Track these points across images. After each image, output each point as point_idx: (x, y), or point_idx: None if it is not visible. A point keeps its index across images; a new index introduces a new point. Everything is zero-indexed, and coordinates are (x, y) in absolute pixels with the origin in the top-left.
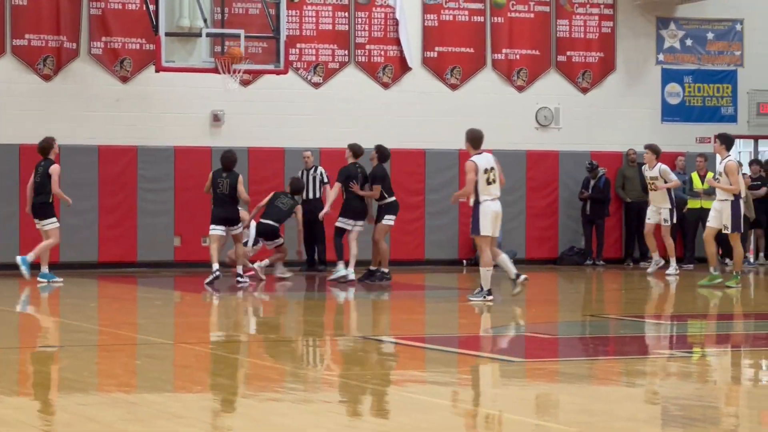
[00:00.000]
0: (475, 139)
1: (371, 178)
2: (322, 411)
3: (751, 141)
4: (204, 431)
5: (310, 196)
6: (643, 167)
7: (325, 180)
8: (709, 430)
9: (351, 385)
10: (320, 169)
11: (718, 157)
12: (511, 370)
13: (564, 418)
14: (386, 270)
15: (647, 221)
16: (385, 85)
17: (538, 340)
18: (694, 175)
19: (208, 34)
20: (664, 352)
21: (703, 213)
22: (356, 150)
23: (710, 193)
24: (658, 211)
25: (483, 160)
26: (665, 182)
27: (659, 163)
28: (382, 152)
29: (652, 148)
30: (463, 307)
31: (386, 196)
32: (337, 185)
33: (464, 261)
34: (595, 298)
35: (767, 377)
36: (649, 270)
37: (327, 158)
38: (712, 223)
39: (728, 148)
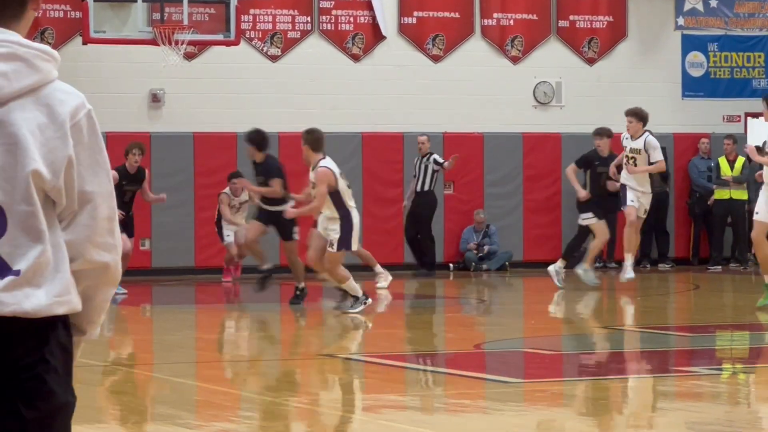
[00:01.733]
0: (317, 140)
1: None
2: None
3: None
4: None
5: (423, 187)
6: (623, 136)
7: (439, 166)
8: None
9: (315, 412)
10: (434, 156)
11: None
12: (508, 392)
13: None
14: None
15: (630, 206)
16: (355, 58)
17: (539, 356)
18: (722, 160)
19: (144, 0)
20: (687, 369)
21: (733, 205)
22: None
23: (741, 181)
24: (639, 199)
25: (334, 165)
26: (649, 162)
27: (647, 133)
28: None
29: (637, 114)
30: (450, 319)
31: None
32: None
33: (450, 265)
34: (606, 306)
35: None
36: (627, 276)
37: (287, 144)
38: (763, 216)
39: None
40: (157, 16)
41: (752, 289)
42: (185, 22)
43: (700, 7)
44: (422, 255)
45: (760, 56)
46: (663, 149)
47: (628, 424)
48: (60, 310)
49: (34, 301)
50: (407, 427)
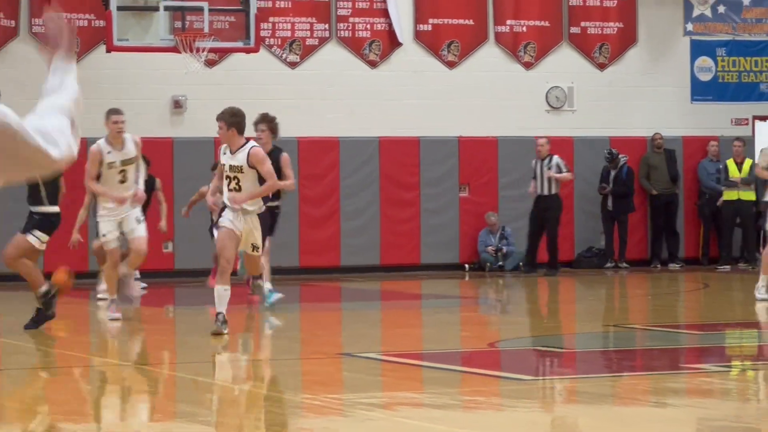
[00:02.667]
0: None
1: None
2: None
3: None
4: None
5: (549, 191)
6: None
7: (563, 170)
8: None
9: (333, 409)
10: (555, 158)
11: None
12: (522, 389)
13: None
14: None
15: None
16: (372, 64)
17: (553, 354)
18: (730, 162)
19: (166, 8)
20: (697, 366)
21: (741, 206)
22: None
23: (749, 182)
24: None
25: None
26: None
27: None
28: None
29: None
30: (466, 318)
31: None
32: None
33: (466, 265)
34: (617, 305)
35: None
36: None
37: (305, 149)
38: None
39: None
40: (178, 24)
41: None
42: (206, 30)
43: (708, 13)
44: (551, 256)
45: (767, 61)
46: (672, 152)
47: (639, 419)
48: None
49: None
50: (423, 423)
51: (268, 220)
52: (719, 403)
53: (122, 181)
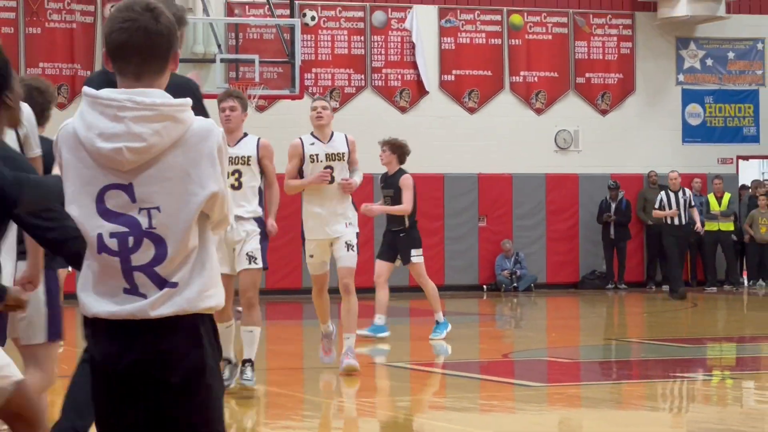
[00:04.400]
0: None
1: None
2: None
3: None
4: None
5: (681, 221)
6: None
7: (692, 203)
8: None
9: (369, 411)
10: (690, 194)
11: None
12: (532, 394)
13: None
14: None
15: None
16: (403, 110)
17: (559, 364)
18: (711, 197)
19: (222, 60)
20: (686, 375)
21: (721, 235)
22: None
23: (727, 215)
24: None
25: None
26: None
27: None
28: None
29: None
30: (483, 332)
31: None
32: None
33: (484, 286)
34: (617, 322)
35: None
36: None
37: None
38: None
39: None
40: (233, 74)
41: (743, 307)
42: (257, 80)
43: (697, 65)
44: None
45: (749, 107)
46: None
47: (635, 422)
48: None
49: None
50: (445, 424)
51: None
52: (705, 408)
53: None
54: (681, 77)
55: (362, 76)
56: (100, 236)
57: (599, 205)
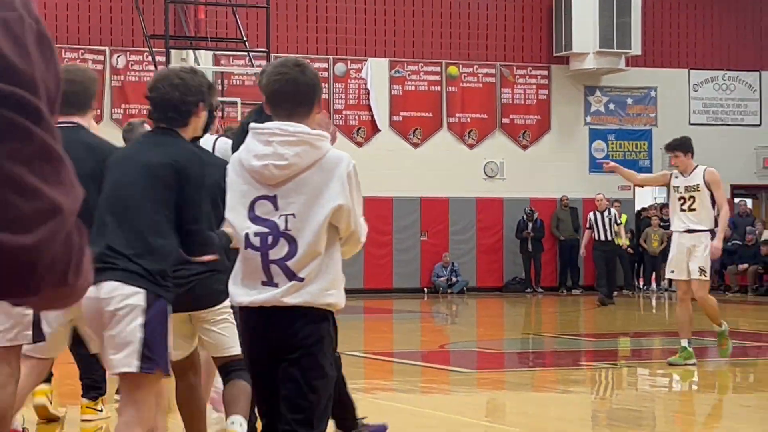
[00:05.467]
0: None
1: None
2: None
3: (665, 188)
4: None
5: (606, 237)
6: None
7: (617, 221)
8: (627, 430)
9: None
10: (615, 213)
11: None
12: (464, 379)
13: (508, 419)
14: None
15: None
16: (359, 144)
17: (486, 354)
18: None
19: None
20: (591, 363)
21: (619, 249)
22: None
23: (625, 232)
24: None
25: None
26: None
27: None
28: None
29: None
30: (424, 327)
31: None
32: None
33: (425, 289)
34: (534, 319)
35: (680, 386)
36: None
37: None
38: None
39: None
40: (219, 114)
41: (638, 308)
42: (239, 119)
43: (602, 109)
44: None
45: (644, 144)
46: (575, 209)
47: (549, 402)
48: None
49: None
50: (393, 404)
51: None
52: (608, 391)
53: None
54: (588, 119)
55: (327, 116)
56: (247, 235)
57: (519, 224)
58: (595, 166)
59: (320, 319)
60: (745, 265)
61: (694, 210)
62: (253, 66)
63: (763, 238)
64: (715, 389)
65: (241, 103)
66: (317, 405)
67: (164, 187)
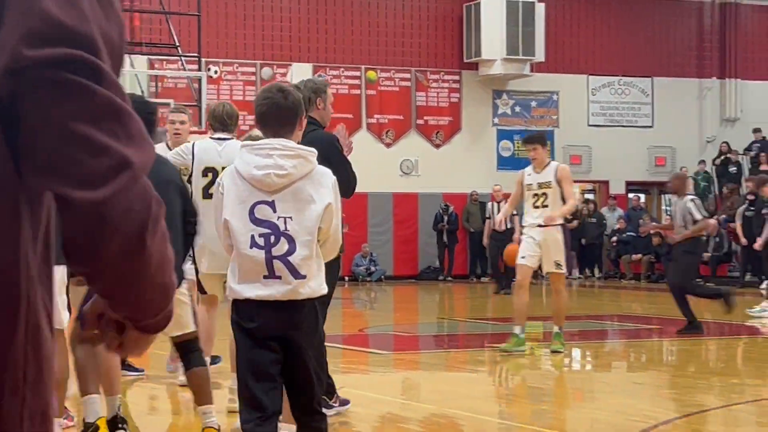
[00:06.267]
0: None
1: None
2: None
3: None
4: None
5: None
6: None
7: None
8: (530, 405)
9: None
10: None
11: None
12: (382, 360)
13: (422, 397)
14: None
15: None
16: None
17: (402, 337)
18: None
19: None
20: (498, 345)
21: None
22: None
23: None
24: None
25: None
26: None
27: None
28: None
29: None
30: (345, 312)
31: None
32: None
33: (346, 277)
34: (447, 305)
35: (578, 365)
36: None
37: None
38: (528, 261)
39: None
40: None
41: (540, 294)
42: None
43: (508, 111)
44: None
45: (547, 144)
46: (484, 203)
47: (459, 380)
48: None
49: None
50: None
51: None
52: (515, 370)
53: None
54: (496, 120)
55: (254, 118)
56: (252, 237)
57: (434, 217)
58: (503, 163)
59: (315, 307)
60: (639, 255)
61: (546, 207)
62: (185, 69)
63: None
64: (611, 368)
65: (174, 105)
66: (320, 377)
67: None
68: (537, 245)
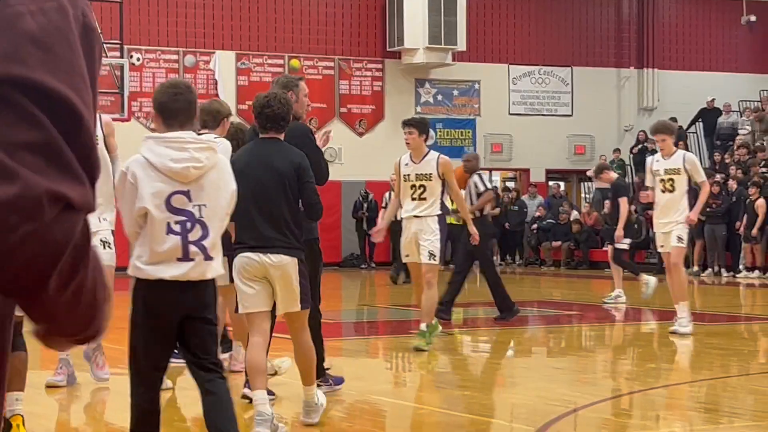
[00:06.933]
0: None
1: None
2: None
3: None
4: None
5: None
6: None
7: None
8: (451, 391)
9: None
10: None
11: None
12: None
13: (345, 384)
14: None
15: None
16: None
17: (326, 324)
18: (447, 199)
19: None
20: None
21: (453, 228)
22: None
23: (456, 212)
24: None
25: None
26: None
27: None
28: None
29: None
30: None
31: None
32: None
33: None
34: (368, 292)
35: (499, 350)
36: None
37: None
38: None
39: None
40: None
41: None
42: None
43: (431, 100)
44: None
45: (469, 132)
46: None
47: (380, 367)
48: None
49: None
50: (241, 369)
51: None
52: (436, 356)
53: None
54: (419, 108)
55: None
56: (168, 224)
57: (355, 204)
58: None
59: (215, 284)
60: (559, 242)
61: (424, 199)
62: (107, 56)
63: (573, 218)
64: (531, 353)
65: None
66: (217, 345)
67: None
68: (413, 238)
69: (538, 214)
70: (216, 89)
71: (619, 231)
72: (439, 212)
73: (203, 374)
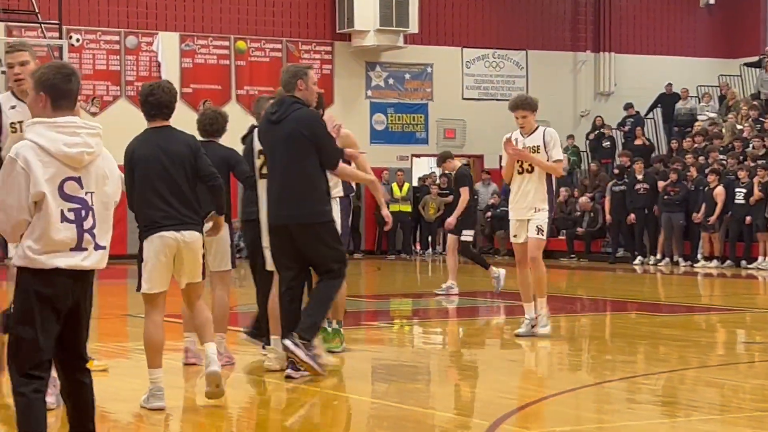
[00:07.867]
0: None
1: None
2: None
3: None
4: None
5: None
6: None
7: None
8: (403, 384)
9: (120, 355)
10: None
11: None
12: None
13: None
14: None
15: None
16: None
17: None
18: (394, 185)
19: (2, 72)
20: (371, 323)
21: (401, 215)
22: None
23: (406, 199)
24: None
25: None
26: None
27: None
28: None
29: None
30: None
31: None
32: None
33: None
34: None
35: (451, 343)
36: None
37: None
38: None
39: None
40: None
41: (416, 271)
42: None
43: (382, 84)
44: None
45: (421, 117)
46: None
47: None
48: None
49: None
50: (176, 363)
51: None
52: (385, 348)
53: None
54: (369, 93)
55: (118, 88)
56: (62, 211)
57: None
58: (376, 137)
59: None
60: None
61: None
62: (45, 37)
63: None
64: (485, 345)
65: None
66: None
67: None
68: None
69: (492, 201)
70: (159, 71)
71: (452, 218)
72: (341, 194)
73: (75, 364)
